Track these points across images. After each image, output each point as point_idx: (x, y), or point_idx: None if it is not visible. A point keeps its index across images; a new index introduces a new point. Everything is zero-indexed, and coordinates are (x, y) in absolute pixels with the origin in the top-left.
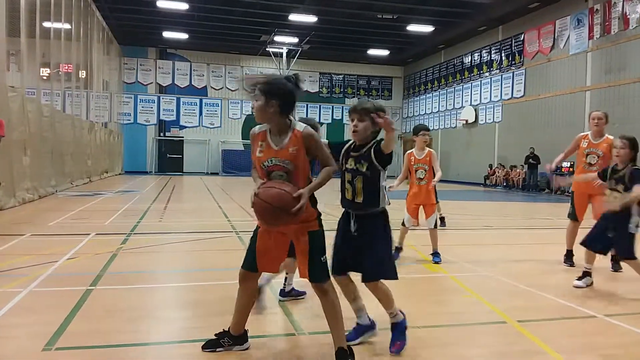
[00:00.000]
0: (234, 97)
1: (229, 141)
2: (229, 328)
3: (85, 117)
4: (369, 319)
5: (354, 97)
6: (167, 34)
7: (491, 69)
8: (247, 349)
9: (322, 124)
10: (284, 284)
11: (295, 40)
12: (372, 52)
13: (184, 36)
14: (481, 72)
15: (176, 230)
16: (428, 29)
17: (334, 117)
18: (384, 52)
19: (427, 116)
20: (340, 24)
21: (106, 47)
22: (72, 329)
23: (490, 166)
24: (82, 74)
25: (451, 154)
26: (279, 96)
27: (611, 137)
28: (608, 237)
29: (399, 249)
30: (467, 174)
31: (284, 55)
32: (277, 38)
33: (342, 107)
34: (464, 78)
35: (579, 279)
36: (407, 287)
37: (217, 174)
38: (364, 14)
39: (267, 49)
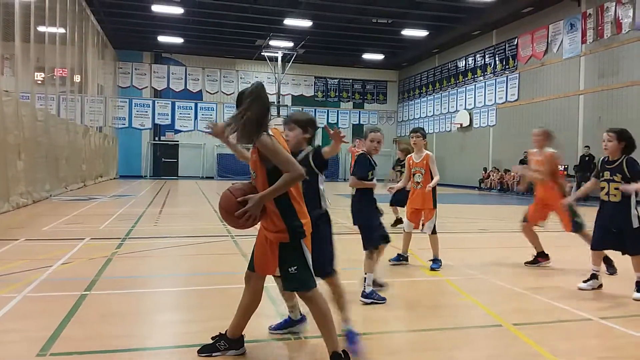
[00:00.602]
0: (229, 101)
1: (224, 145)
2: (225, 331)
3: (79, 122)
4: (301, 314)
5: (349, 101)
6: (162, 38)
7: (485, 73)
8: (242, 353)
9: (317, 128)
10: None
11: (290, 44)
12: (367, 56)
13: (179, 40)
14: (475, 76)
15: (171, 235)
16: (422, 33)
17: (329, 121)
18: (379, 57)
19: (422, 120)
20: (336, 29)
21: (101, 51)
22: (66, 334)
23: (485, 169)
24: (77, 78)
25: (446, 158)
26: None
27: (550, 151)
28: (614, 234)
29: (403, 257)
30: (462, 178)
31: (279, 59)
32: (273, 42)
33: (338, 111)
34: (459, 82)
35: (585, 281)
36: (402, 290)
37: (212, 178)
38: (359, 18)
39: (262, 53)
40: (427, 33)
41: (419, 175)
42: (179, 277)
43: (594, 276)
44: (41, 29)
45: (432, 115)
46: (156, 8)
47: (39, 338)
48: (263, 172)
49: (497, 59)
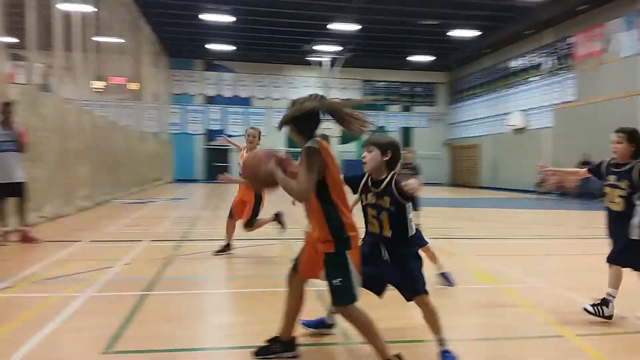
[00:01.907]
0: (277, 106)
1: (273, 149)
2: (279, 334)
3: (136, 128)
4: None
5: (397, 104)
6: (213, 46)
7: (540, 73)
8: (296, 357)
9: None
10: None
11: (337, 48)
12: (415, 58)
13: (229, 48)
14: (529, 76)
15: (221, 238)
16: (472, 33)
17: (377, 124)
18: (428, 58)
19: (473, 122)
20: (382, 31)
21: (155, 60)
22: (129, 333)
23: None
24: (133, 86)
25: (499, 161)
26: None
27: None
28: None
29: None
30: (517, 182)
31: (327, 63)
32: (319, 47)
33: (385, 114)
34: (511, 83)
35: (594, 305)
36: (457, 298)
37: None
38: (406, 20)
39: (309, 58)
40: (477, 33)
41: None
42: (235, 279)
43: (605, 302)
44: (99, 39)
45: (484, 117)
46: (208, 17)
47: (104, 336)
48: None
49: (551, 58)
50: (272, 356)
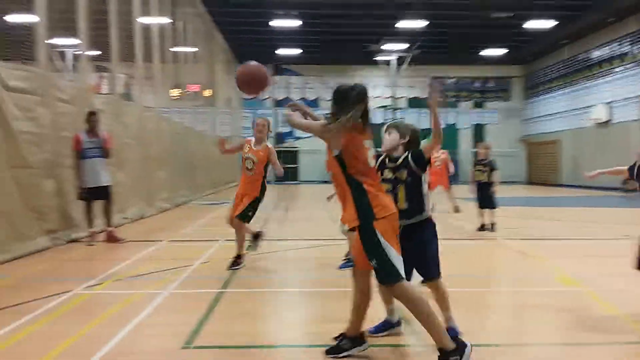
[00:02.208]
0: None
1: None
2: (346, 330)
3: (211, 132)
4: (398, 318)
5: (468, 100)
6: (281, 51)
7: (624, 62)
8: (366, 349)
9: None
10: None
11: (404, 46)
12: (487, 52)
13: (296, 52)
14: (612, 67)
15: (296, 237)
16: (549, 24)
17: (447, 122)
18: (501, 52)
19: (552, 117)
20: (452, 27)
21: (227, 66)
22: (207, 329)
23: (631, 169)
24: (207, 92)
25: (581, 157)
26: None
27: None
28: None
29: None
30: (602, 179)
31: (394, 62)
32: (386, 46)
33: (456, 111)
34: (593, 74)
35: None
36: (537, 301)
37: (329, 182)
38: (477, 14)
39: (376, 58)
40: (554, 24)
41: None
42: (306, 278)
43: None
44: (176, 49)
45: (563, 112)
46: (276, 23)
47: (184, 332)
48: (337, 167)
49: (637, 47)
50: (343, 354)
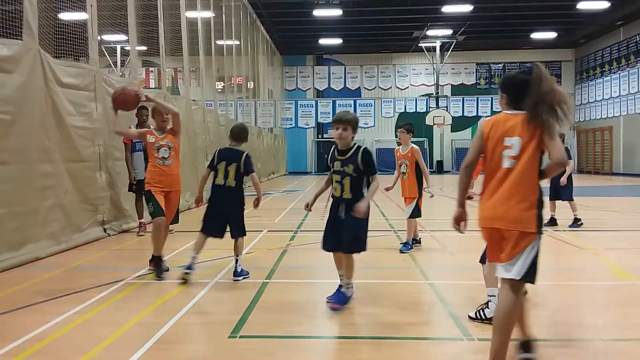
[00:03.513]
0: (386, 96)
1: (382, 140)
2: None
3: (254, 124)
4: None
5: None
6: (322, 41)
7: None
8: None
9: (480, 117)
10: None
11: (449, 32)
12: (536, 35)
13: (338, 41)
14: None
15: None
16: (603, 5)
17: (494, 109)
18: (551, 35)
19: (605, 102)
20: (499, 10)
21: (270, 58)
22: (252, 319)
23: None
24: (250, 84)
25: (636, 144)
26: None
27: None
28: None
29: (417, 241)
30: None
31: (437, 48)
32: (430, 32)
33: None
34: None
35: None
36: (588, 295)
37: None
38: None
39: (419, 45)
40: (609, 4)
41: (405, 167)
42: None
43: None
44: (220, 42)
45: (617, 96)
46: (317, 12)
47: (229, 321)
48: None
49: None
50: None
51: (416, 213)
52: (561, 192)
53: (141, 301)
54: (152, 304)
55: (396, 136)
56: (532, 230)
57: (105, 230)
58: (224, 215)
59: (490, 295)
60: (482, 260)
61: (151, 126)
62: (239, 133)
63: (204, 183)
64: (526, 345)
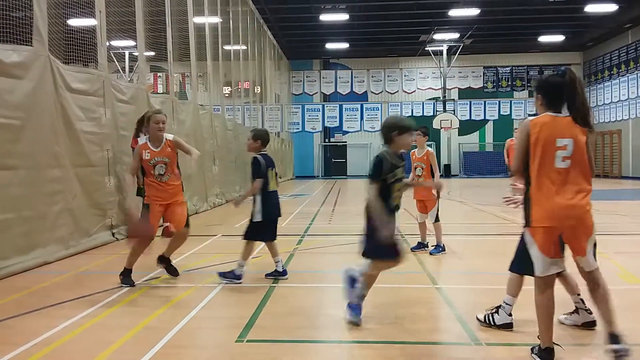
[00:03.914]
0: (393, 100)
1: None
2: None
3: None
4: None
5: (523, 89)
6: (329, 45)
7: None
8: None
9: (487, 120)
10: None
11: (456, 36)
12: (543, 38)
13: (344, 45)
14: None
15: (344, 233)
16: (611, 7)
17: (501, 112)
18: (559, 38)
19: (614, 105)
20: (506, 13)
21: (277, 63)
22: (259, 323)
23: None
24: (257, 89)
25: None
26: None
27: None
28: None
29: (423, 245)
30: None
31: (444, 52)
32: (437, 36)
33: (510, 101)
34: None
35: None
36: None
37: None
38: None
39: (426, 49)
40: (617, 7)
41: (420, 169)
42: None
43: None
44: (227, 47)
45: (626, 100)
46: (324, 17)
47: (237, 325)
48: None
49: None
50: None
51: (438, 216)
52: None
53: (149, 305)
54: (159, 308)
55: None
56: (592, 222)
57: (113, 234)
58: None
59: (506, 304)
60: (512, 269)
61: (142, 136)
62: (268, 138)
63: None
64: (614, 337)
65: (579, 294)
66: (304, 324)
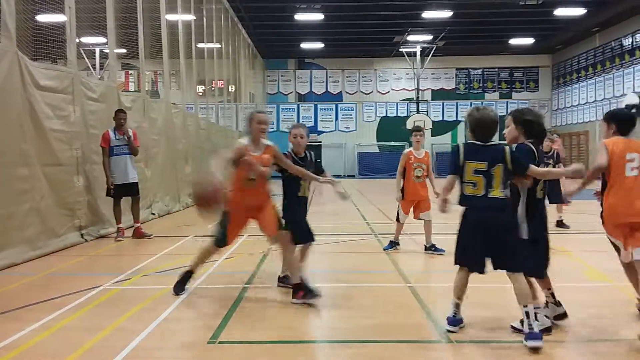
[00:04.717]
0: (367, 100)
1: (363, 144)
2: None
3: (235, 128)
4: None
5: (494, 91)
6: (304, 45)
7: None
8: None
9: (459, 121)
10: None
11: (429, 37)
12: (514, 41)
13: (319, 45)
14: None
15: (319, 232)
16: (579, 11)
17: None
18: (529, 41)
19: (581, 107)
20: (478, 16)
21: (251, 62)
22: (232, 324)
23: None
24: (232, 88)
25: None
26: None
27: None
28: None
29: (395, 244)
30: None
31: (418, 54)
32: (411, 37)
33: (482, 102)
34: (625, 62)
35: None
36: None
37: (353, 176)
38: (505, 2)
39: (400, 50)
40: (585, 11)
41: (420, 170)
42: (329, 273)
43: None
44: (200, 45)
45: (593, 102)
46: (299, 16)
47: (209, 327)
48: None
49: None
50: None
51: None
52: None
53: (119, 307)
54: (130, 310)
55: (381, 139)
56: None
57: (82, 235)
58: None
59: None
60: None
61: (245, 142)
62: None
63: None
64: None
65: (549, 289)
66: (277, 324)
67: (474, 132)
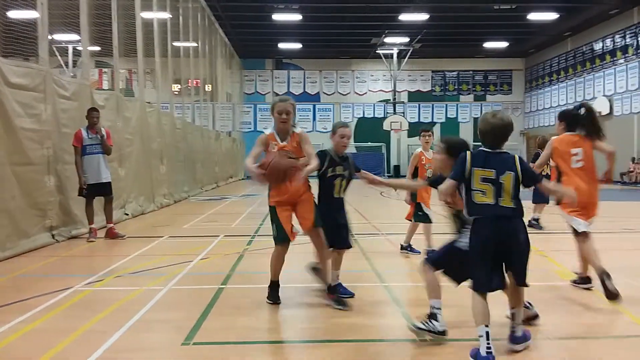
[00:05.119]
0: (345, 101)
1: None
2: None
3: (211, 127)
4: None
5: (469, 93)
6: (282, 45)
7: (626, 55)
8: None
9: (435, 123)
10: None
11: (406, 40)
12: (489, 45)
13: (297, 46)
14: (615, 59)
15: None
16: (552, 16)
17: (448, 115)
18: (502, 44)
19: (553, 110)
20: (453, 19)
21: (228, 61)
22: (207, 325)
23: (633, 160)
24: (208, 87)
25: None
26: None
27: None
28: None
29: (410, 247)
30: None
31: (395, 56)
32: (388, 39)
33: (457, 105)
34: (595, 67)
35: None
36: (536, 296)
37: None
38: (479, 6)
39: (377, 51)
40: (557, 15)
41: (430, 171)
42: (304, 274)
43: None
44: (176, 44)
45: (564, 104)
46: (277, 17)
47: (183, 328)
48: None
49: None
50: None
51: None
52: (542, 195)
53: (91, 309)
54: (102, 311)
55: (362, 139)
56: None
57: (53, 236)
58: None
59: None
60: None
61: (268, 132)
62: None
63: None
64: None
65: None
66: (252, 325)
67: (485, 137)
